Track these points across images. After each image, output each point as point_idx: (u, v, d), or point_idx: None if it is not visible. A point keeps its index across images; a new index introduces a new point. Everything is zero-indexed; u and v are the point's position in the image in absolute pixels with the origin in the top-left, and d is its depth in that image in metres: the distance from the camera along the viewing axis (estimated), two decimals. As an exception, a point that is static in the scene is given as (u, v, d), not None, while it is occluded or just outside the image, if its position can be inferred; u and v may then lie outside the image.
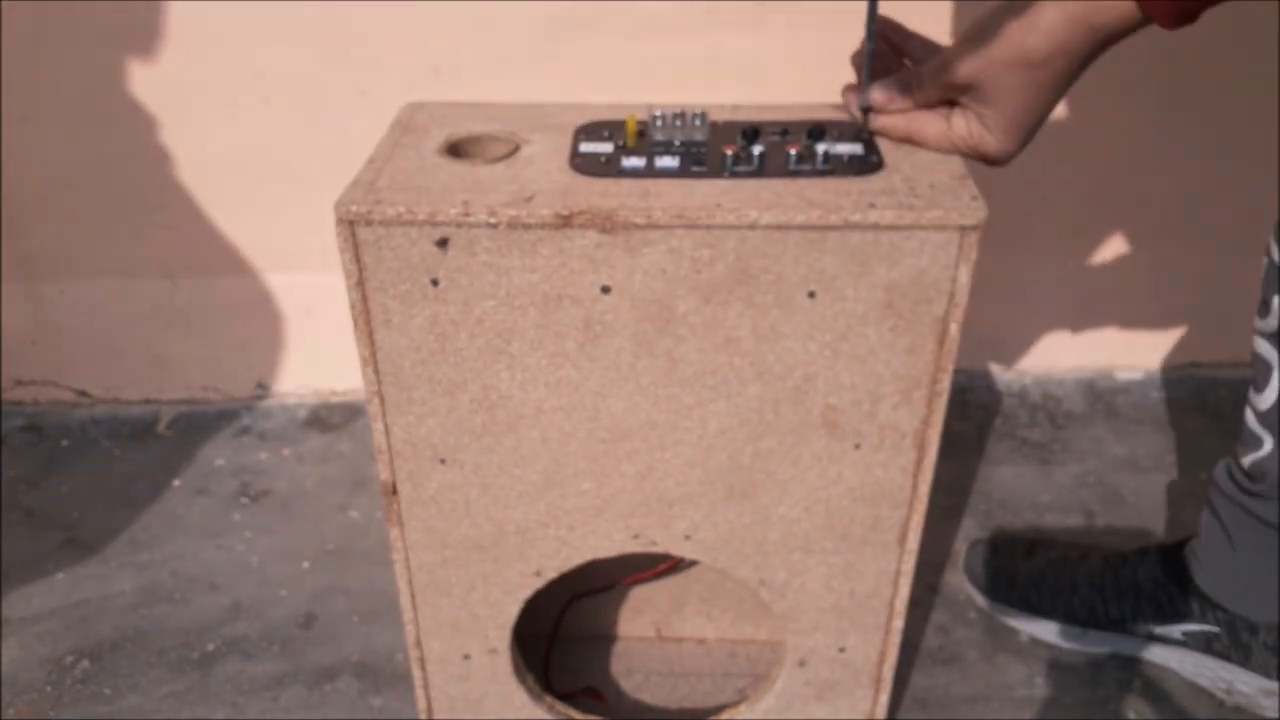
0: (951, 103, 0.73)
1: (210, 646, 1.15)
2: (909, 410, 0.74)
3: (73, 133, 1.30)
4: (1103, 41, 0.66)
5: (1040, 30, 0.65)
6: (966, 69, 0.68)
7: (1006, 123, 0.69)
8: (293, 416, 1.49)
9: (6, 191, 1.34)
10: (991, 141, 0.71)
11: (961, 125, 0.72)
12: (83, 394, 1.51)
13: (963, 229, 0.67)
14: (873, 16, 0.72)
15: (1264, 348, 0.92)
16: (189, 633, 1.16)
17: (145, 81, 1.27)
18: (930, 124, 0.74)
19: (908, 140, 0.75)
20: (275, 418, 1.49)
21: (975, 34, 0.68)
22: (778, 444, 0.76)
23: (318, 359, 1.49)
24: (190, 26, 1.23)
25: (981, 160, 0.73)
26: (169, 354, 1.48)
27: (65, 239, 1.38)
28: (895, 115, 0.75)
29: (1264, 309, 0.92)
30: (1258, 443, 0.95)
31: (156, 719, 1.07)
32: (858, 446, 0.76)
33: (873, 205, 0.66)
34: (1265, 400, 0.93)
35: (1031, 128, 0.70)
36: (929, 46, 0.76)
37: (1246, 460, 0.97)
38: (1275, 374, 0.92)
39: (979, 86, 0.69)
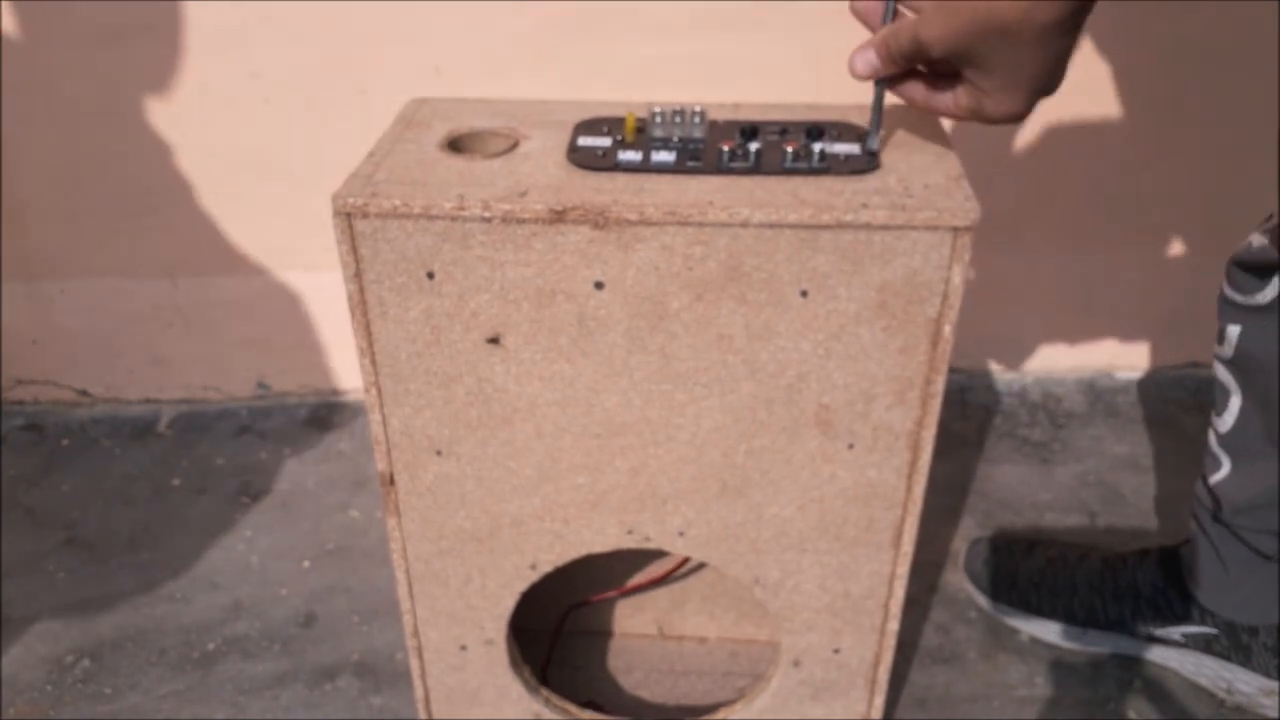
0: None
1: (210, 646, 1.15)
2: (903, 411, 0.74)
3: (73, 133, 1.30)
4: None
5: None
6: (937, 44, 0.63)
7: (1001, 85, 0.64)
8: (293, 416, 1.49)
9: (6, 191, 1.35)
10: (992, 105, 0.65)
11: (962, 94, 0.67)
12: (83, 394, 1.51)
13: (955, 230, 0.67)
14: None
15: (1222, 373, 0.96)
16: (189, 632, 1.16)
17: (145, 81, 1.27)
18: (941, 98, 0.68)
19: (930, 112, 0.70)
20: (275, 418, 1.49)
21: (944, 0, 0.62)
22: (771, 442, 0.76)
23: (318, 359, 1.49)
24: (190, 26, 1.24)
25: (992, 123, 0.68)
26: (169, 354, 1.48)
27: (65, 239, 1.38)
28: (914, 88, 0.70)
29: (1220, 337, 0.94)
30: (1218, 464, 0.98)
31: (157, 718, 1.07)
32: (851, 446, 0.76)
33: (865, 205, 0.66)
34: (1224, 424, 0.97)
35: (1036, 83, 0.63)
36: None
37: (1211, 480, 1.00)
38: (1233, 399, 0.95)
39: (958, 58, 0.64)
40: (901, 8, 0.68)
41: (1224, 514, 0.99)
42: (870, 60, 0.69)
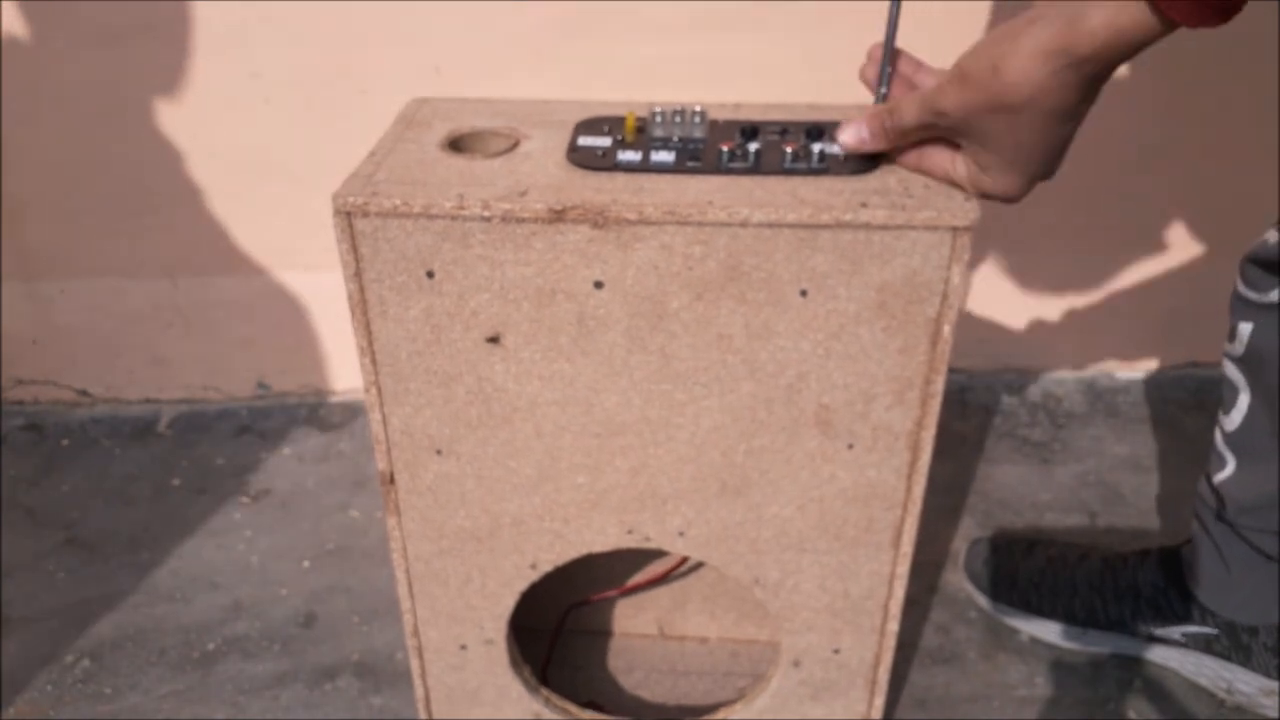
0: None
1: (210, 646, 1.15)
2: (902, 411, 0.74)
3: (73, 133, 1.30)
4: (1095, 72, 0.59)
5: (1013, 73, 0.59)
6: (947, 115, 0.64)
7: (1001, 163, 0.65)
8: (293, 416, 1.49)
9: (6, 191, 1.35)
10: (989, 182, 0.66)
11: (961, 166, 0.68)
12: (83, 394, 1.51)
13: (955, 230, 0.67)
14: (893, 29, 0.70)
15: (1232, 371, 0.95)
16: (189, 632, 1.16)
17: (145, 81, 1.27)
18: (937, 162, 0.69)
19: (919, 173, 0.71)
20: (275, 418, 1.49)
21: (957, 74, 0.63)
22: (770, 442, 0.76)
23: (318, 359, 1.49)
24: (190, 26, 1.24)
25: (989, 199, 0.68)
26: (169, 354, 1.48)
27: (65, 239, 1.38)
28: (907, 150, 0.71)
29: (1231, 334, 0.94)
30: (1223, 462, 0.98)
31: (157, 718, 1.07)
32: (851, 446, 0.76)
33: (864, 204, 0.66)
34: (1231, 422, 0.96)
35: (1035, 167, 0.65)
36: (936, 76, 0.71)
37: (1215, 479, 1.00)
38: (1241, 397, 0.95)
39: (964, 131, 0.65)
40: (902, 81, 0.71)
41: (1228, 513, 0.99)
42: (861, 134, 0.70)
